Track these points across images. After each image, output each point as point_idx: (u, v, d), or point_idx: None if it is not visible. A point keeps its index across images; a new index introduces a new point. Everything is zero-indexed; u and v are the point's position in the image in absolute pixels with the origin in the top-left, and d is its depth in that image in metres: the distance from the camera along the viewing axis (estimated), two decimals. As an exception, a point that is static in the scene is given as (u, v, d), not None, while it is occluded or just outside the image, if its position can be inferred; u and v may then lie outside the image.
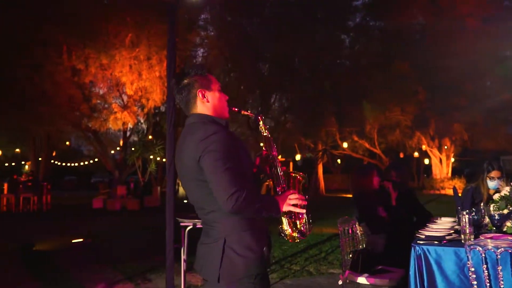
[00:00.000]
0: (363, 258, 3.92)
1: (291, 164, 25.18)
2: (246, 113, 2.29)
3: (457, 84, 19.53)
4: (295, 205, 2.02)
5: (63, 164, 34.38)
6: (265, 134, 2.22)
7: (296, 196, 2.03)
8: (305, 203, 2.04)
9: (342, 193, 24.43)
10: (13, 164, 31.11)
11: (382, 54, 21.39)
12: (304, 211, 2.06)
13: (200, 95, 2.07)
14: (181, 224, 4.31)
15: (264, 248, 2.03)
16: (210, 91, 2.09)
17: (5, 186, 15.92)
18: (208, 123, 2.01)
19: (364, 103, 21.33)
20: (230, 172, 1.87)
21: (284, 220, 2.08)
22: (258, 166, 2.21)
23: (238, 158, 1.95)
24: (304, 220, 2.10)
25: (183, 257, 4.40)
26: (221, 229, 1.97)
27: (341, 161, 32.98)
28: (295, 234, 2.07)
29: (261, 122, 2.22)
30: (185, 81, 2.09)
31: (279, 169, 2.14)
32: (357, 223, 4.20)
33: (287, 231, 2.07)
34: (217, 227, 1.98)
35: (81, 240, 8.70)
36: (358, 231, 4.17)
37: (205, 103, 2.08)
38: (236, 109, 2.21)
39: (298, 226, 2.08)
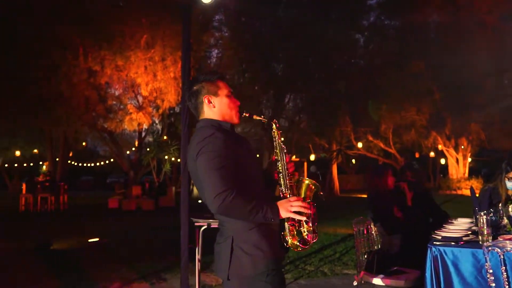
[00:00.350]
0: (378, 258, 3.90)
1: (305, 164, 25.11)
2: (258, 118, 2.22)
3: (474, 83, 19.20)
4: (297, 212, 1.96)
5: (80, 164, 34.87)
6: (276, 140, 2.14)
7: (299, 203, 1.96)
8: (309, 211, 1.98)
9: (356, 193, 24.28)
10: (31, 164, 31.67)
11: (397, 53, 21.17)
12: (304, 218, 1.98)
13: (206, 100, 2.12)
14: (196, 224, 4.33)
15: (277, 246, 2.02)
16: (217, 97, 2.13)
17: (24, 186, 16.18)
18: (210, 127, 2.04)
19: (370, 103, 21.14)
20: (221, 172, 1.89)
21: (287, 227, 2.02)
22: (265, 171, 2.22)
23: (236, 160, 1.96)
24: (310, 228, 2.02)
25: (197, 257, 4.42)
26: (229, 228, 2.00)
27: (355, 161, 32.77)
28: (296, 242, 2.01)
29: (274, 127, 2.16)
30: (194, 87, 2.15)
31: (286, 175, 2.09)
32: (372, 223, 4.16)
33: (288, 237, 2.02)
34: (227, 226, 2.01)
35: (97, 239, 8.81)
36: (373, 232, 4.13)
37: (212, 109, 2.13)
38: (248, 114, 2.19)
39: (303, 234, 2.02)
